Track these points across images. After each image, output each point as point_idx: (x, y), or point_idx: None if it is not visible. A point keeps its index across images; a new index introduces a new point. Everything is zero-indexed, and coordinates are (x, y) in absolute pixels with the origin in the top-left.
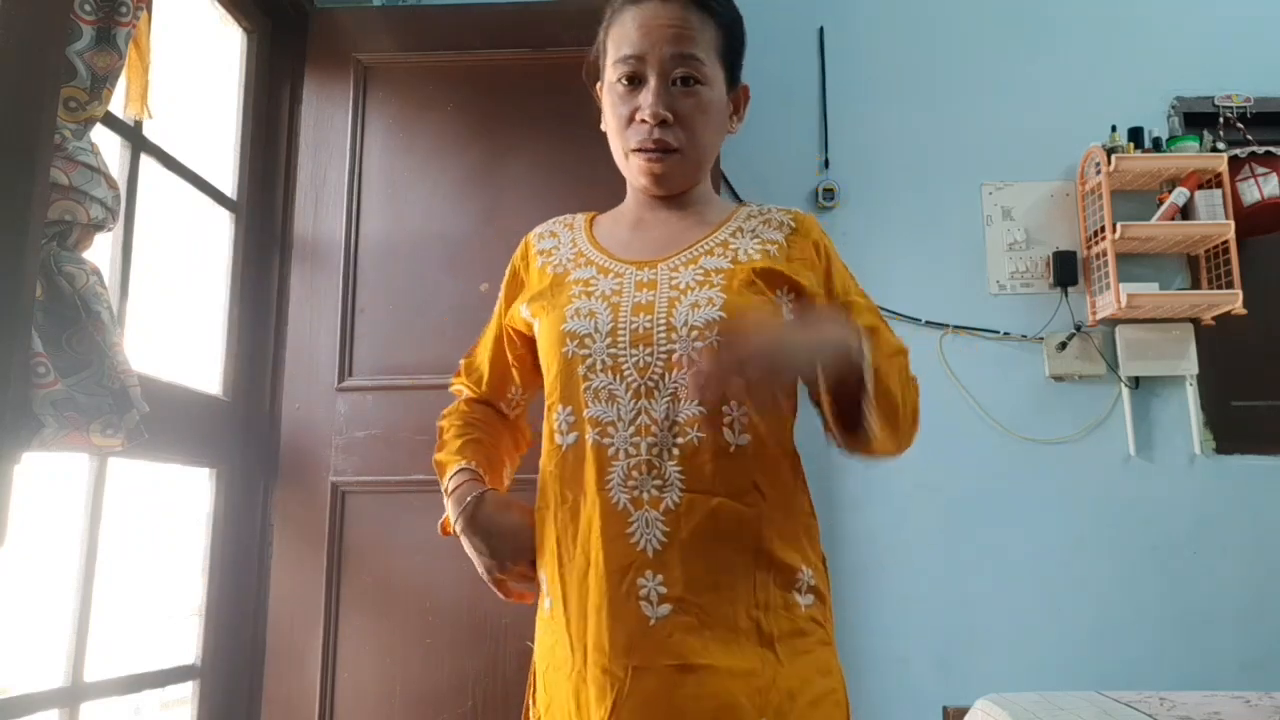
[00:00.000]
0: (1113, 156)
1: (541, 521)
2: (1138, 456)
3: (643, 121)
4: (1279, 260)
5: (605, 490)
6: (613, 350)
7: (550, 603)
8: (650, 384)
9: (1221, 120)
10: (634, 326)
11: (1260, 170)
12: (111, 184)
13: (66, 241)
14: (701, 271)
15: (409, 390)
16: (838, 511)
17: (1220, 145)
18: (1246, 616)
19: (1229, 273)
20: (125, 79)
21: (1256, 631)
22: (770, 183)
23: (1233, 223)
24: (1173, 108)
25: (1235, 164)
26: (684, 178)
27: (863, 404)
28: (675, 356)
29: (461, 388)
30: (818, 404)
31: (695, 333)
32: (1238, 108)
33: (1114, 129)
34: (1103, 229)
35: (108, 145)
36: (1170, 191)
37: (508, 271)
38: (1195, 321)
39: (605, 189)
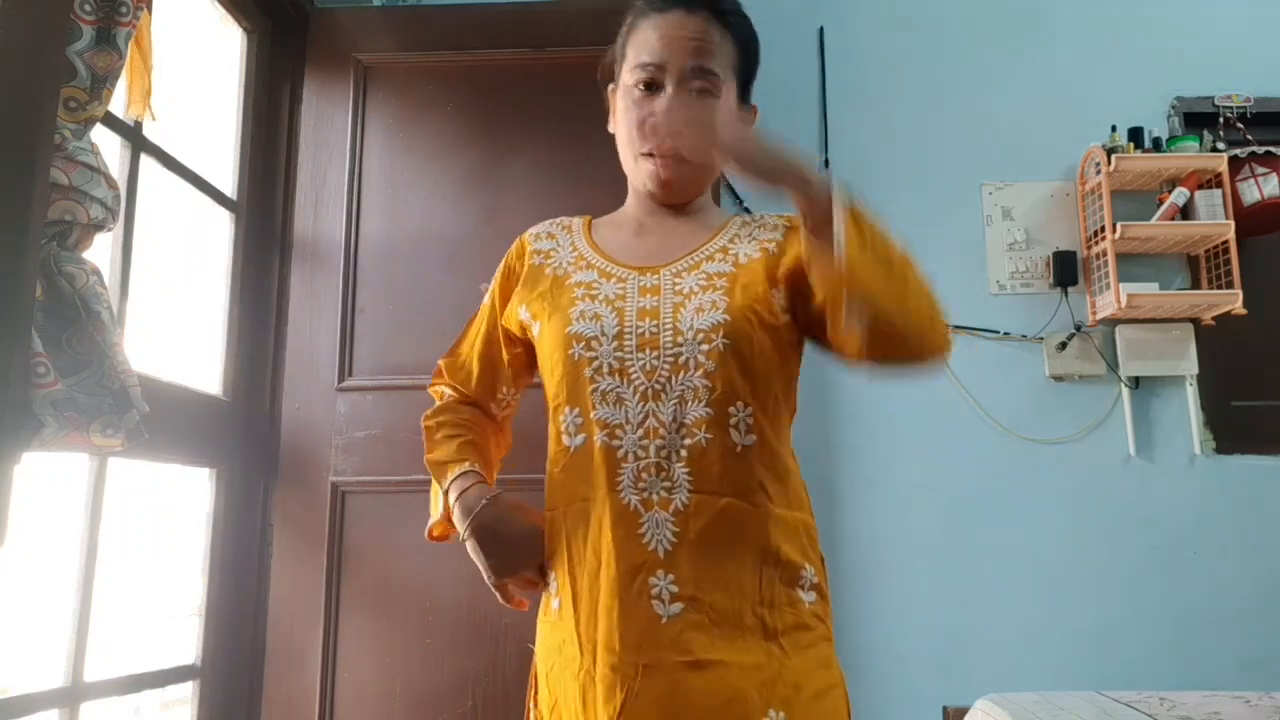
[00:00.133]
0: (1113, 156)
1: (551, 523)
2: (1138, 456)
3: (655, 128)
4: (1279, 260)
5: (616, 491)
6: (619, 354)
7: (559, 603)
8: (657, 387)
9: (1221, 120)
10: (640, 331)
11: (1260, 170)
12: (111, 184)
13: (66, 241)
14: (704, 276)
15: (409, 390)
16: (838, 511)
17: (1220, 145)
18: (1246, 616)
19: (1229, 273)
20: (126, 79)
21: (1256, 631)
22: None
23: (1233, 223)
24: (1173, 108)
25: (1235, 164)
26: (690, 187)
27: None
28: (682, 359)
29: (444, 389)
30: (818, 317)
31: (701, 336)
32: (1238, 108)
33: (1114, 129)
34: (1103, 229)
35: (108, 145)
36: (1170, 191)
37: (501, 269)
38: (1195, 321)
39: (605, 189)
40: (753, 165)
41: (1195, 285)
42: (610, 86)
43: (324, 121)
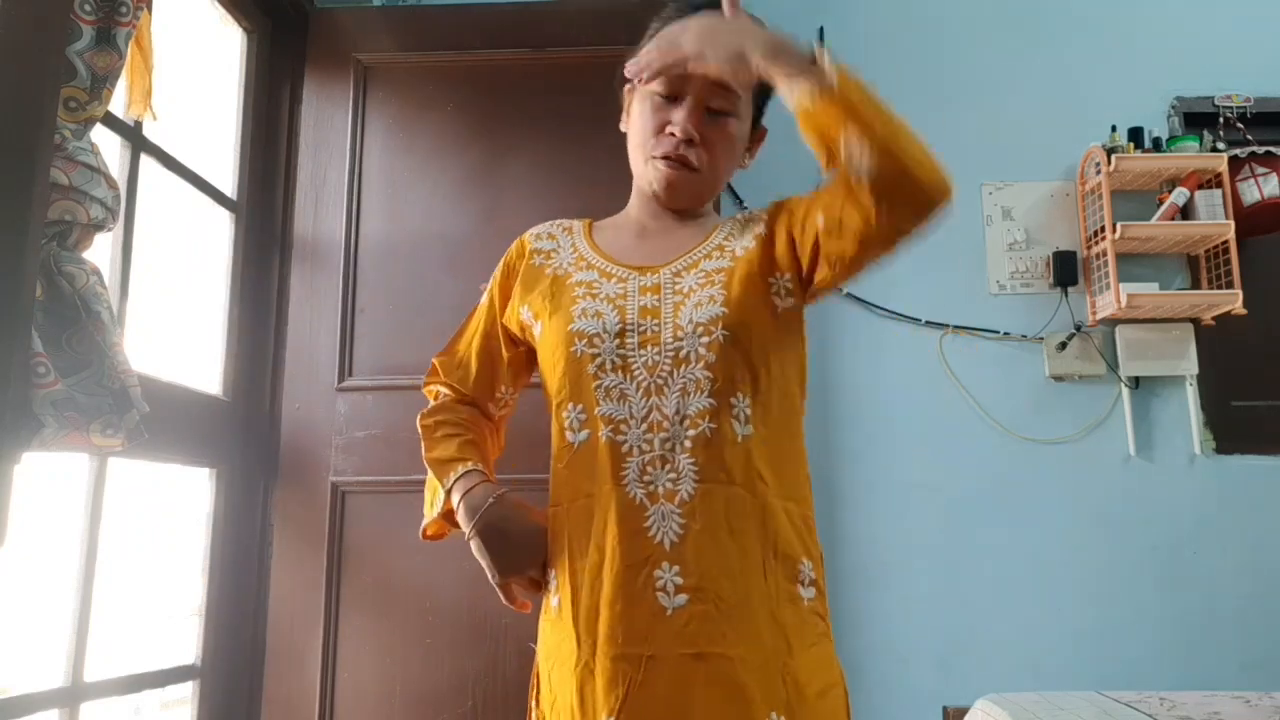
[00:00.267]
0: (1113, 156)
1: (554, 519)
2: (1138, 456)
3: (672, 134)
4: (1279, 260)
5: (621, 485)
6: (621, 351)
7: (559, 600)
8: (659, 381)
9: (1221, 120)
10: (641, 329)
11: (1260, 170)
12: (111, 184)
13: (66, 241)
14: (703, 274)
15: (409, 390)
16: (838, 511)
17: (1220, 145)
18: (1246, 616)
19: (1229, 273)
20: (126, 79)
21: (1256, 631)
22: (770, 183)
23: (1233, 223)
24: (1173, 108)
25: (1235, 164)
26: (694, 197)
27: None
28: (683, 353)
29: (440, 388)
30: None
31: (701, 329)
32: (1238, 108)
33: (1114, 129)
34: (1103, 229)
35: (108, 145)
36: (1170, 191)
37: (500, 268)
38: (1195, 321)
39: (605, 189)
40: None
41: (1195, 285)
42: (627, 86)
43: (324, 121)
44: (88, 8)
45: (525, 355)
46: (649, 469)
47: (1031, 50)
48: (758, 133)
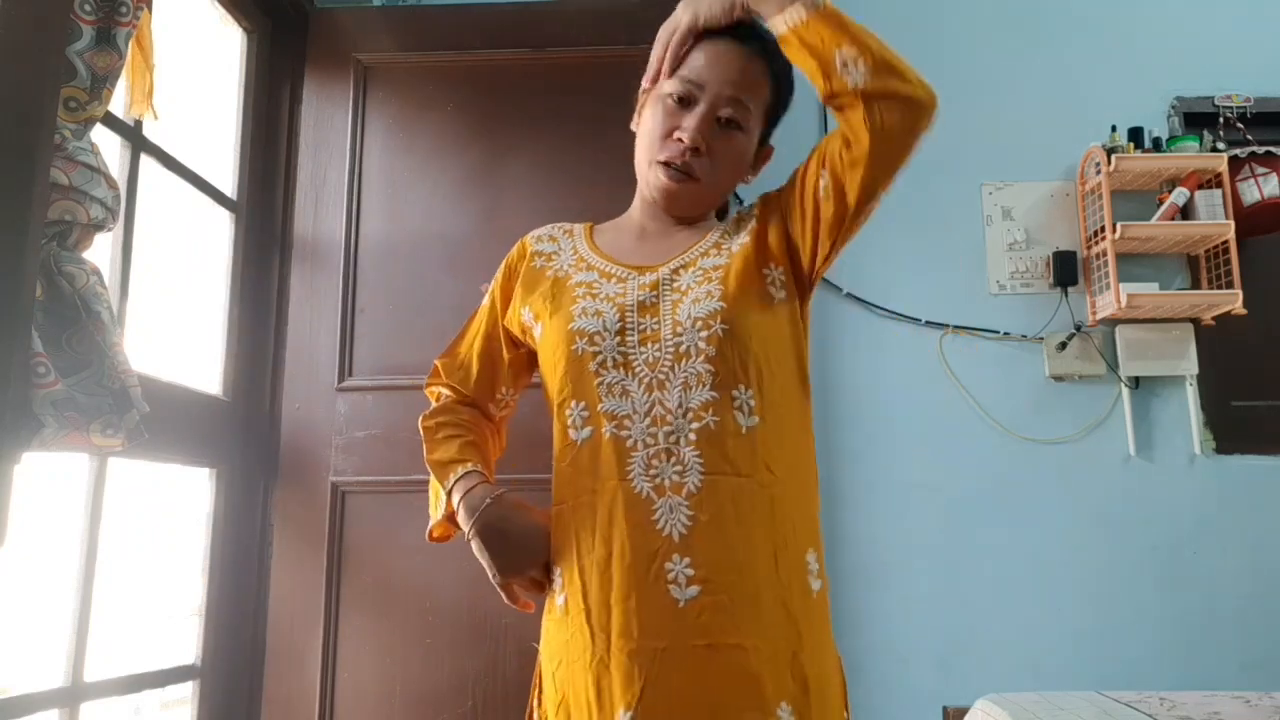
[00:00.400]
0: (1113, 156)
1: (558, 517)
2: (1138, 456)
3: (678, 140)
4: (1279, 260)
5: (627, 480)
6: (622, 348)
7: (565, 598)
8: (661, 376)
9: (1221, 120)
10: (641, 327)
11: (1260, 170)
12: (111, 184)
13: (66, 241)
14: (700, 271)
15: (409, 390)
16: (838, 511)
17: (1220, 145)
18: (1246, 616)
19: (1229, 273)
20: (127, 79)
21: (1256, 631)
22: (770, 183)
23: (1233, 223)
24: (1173, 108)
25: (1235, 164)
26: (693, 206)
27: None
28: (683, 349)
29: (442, 389)
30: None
31: (700, 324)
32: (1238, 108)
33: (1114, 129)
34: (1103, 229)
35: (108, 145)
36: (1170, 191)
37: (502, 270)
38: (1195, 321)
39: (604, 189)
40: None
41: (1195, 285)
42: (643, 88)
43: (324, 121)
44: (88, 8)
45: (526, 356)
46: (654, 463)
47: (1031, 50)
48: (765, 150)
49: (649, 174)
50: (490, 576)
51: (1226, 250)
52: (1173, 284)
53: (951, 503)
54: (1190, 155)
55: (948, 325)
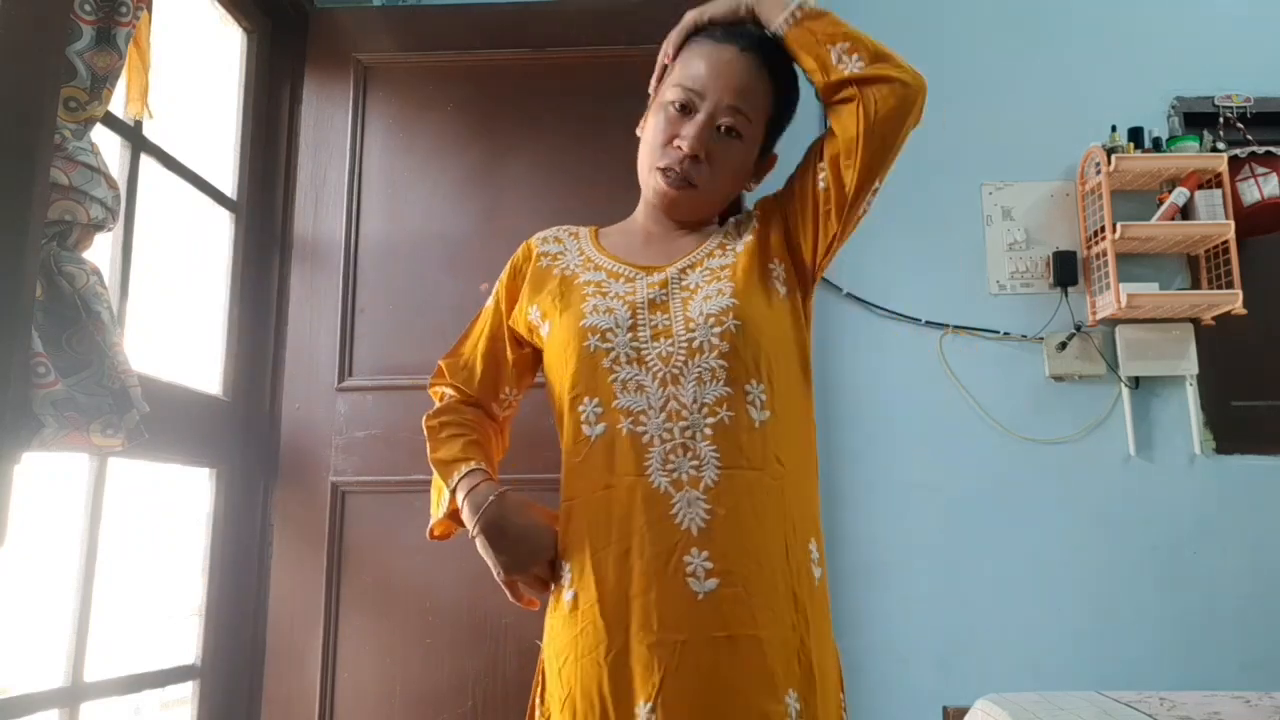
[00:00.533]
0: (1113, 156)
1: (568, 513)
2: (1138, 456)
3: (678, 148)
4: (1279, 260)
5: (645, 475)
6: (635, 344)
7: (575, 594)
8: (675, 371)
9: (1221, 120)
10: (653, 323)
11: (1260, 170)
12: (111, 184)
13: (66, 241)
14: (708, 271)
15: (409, 390)
16: (838, 511)
17: (1220, 145)
18: (1246, 616)
19: (1229, 273)
20: (126, 79)
21: (1256, 631)
22: (770, 183)
23: (1233, 223)
24: (1173, 108)
25: (1235, 164)
26: (693, 211)
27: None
28: (696, 344)
29: (445, 389)
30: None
31: (712, 320)
32: (1238, 108)
33: (1114, 129)
34: (1103, 229)
35: (108, 145)
36: (1170, 191)
37: (507, 270)
38: (1195, 321)
39: (605, 189)
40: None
41: (1195, 285)
42: (651, 91)
43: (324, 121)
44: (88, 8)
45: (530, 356)
46: (671, 457)
47: (1031, 50)
48: (768, 160)
49: (650, 179)
50: (495, 574)
51: (1226, 250)
52: (1173, 284)
53: (951, 503)
54: (1190, 155)
55: (948, 325)
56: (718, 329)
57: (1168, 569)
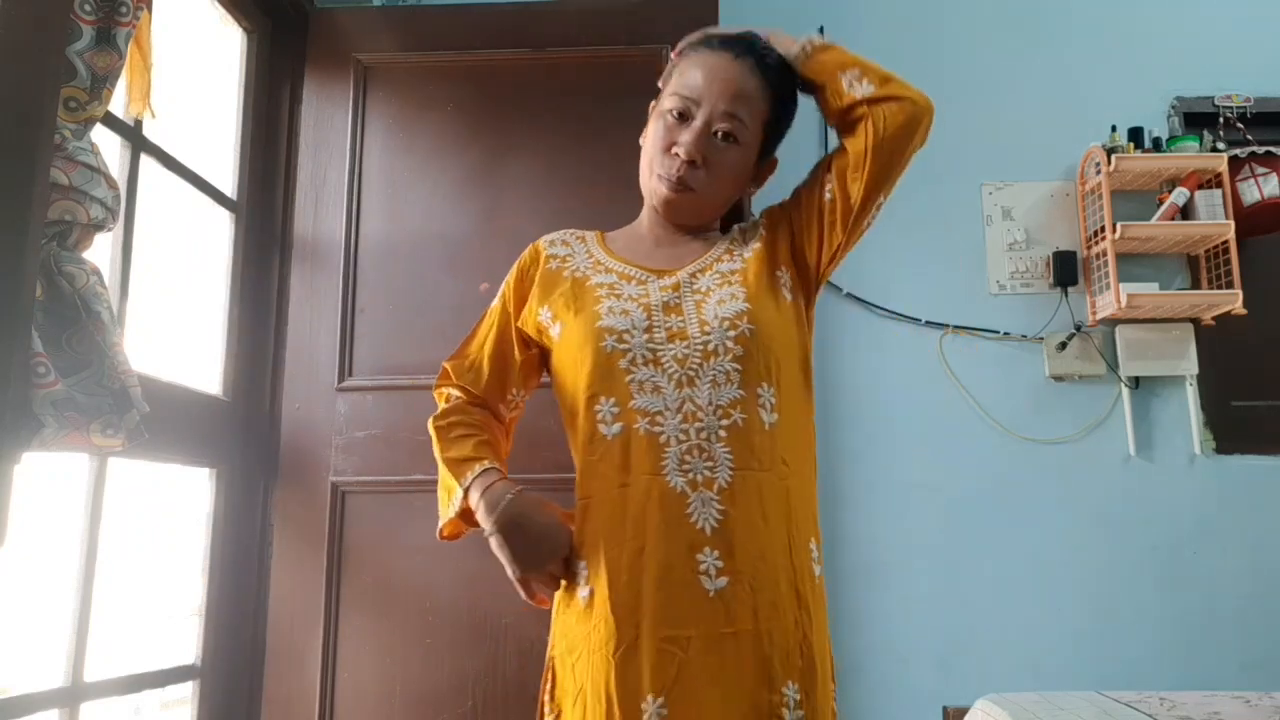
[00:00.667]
0: (1113, 156)
1: (584, 511)
2: (1138, 456)
3: (676, 154)
4: (1279, 260)
5: (662, 475)
6: (651, 345)
7: (590, 591)
8: (690, 373)
9: (1221, 120)
10: (668, 325)
11: (1260, 170)
12: (111, 184)
13: (66, 241)
14: (719, 275)
15: (409, 390)
16: (838, 511)
17: (1220, 145)
18: (1246, 616)
19: (1229, 273)
20: (126, 79)
21: (1256, 631)
22: (770, 183)
23: (1233, 223)
24: (1173, 108)
25: (1235, 164)
26: (693, 216)
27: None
28: (711, 347)
29: (451, 390)
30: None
31: (727, 324)
32: (1238, 108)
33: (1114, 129)
34: (1103, 229)
35: (108, 145)
36: (1170, 191)
37: (514, 272)
38: (1195, 321)
39: (605, 189)
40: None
41: (1195, 285)
42: (653, 103)
43: (324, 121)
44: (88, 8)
45: (537, 358)
46: (687, 458)
47: (1031, 50)
48: (768, 163)
49: (651, 186)
50: (509, 572)
51: (1226, 250)
52: (1173, 284)
53: (951, 503)
54: (1190, 155)
55: (948, 325)
56: (732, 332)
57: (1168, 569)
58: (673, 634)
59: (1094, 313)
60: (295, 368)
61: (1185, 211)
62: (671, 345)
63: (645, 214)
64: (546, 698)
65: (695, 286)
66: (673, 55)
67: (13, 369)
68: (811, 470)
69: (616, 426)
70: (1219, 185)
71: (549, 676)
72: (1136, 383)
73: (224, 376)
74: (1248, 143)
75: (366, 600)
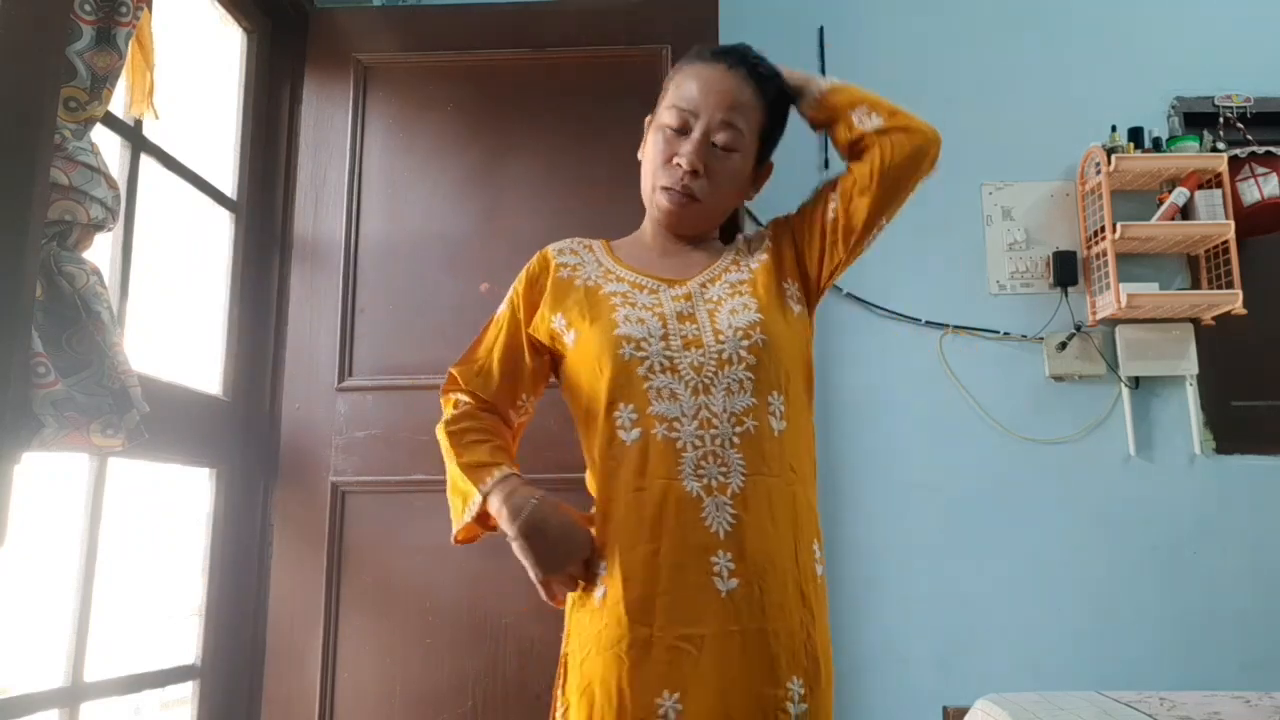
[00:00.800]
0: (1113, 156)
1: (604, 514)
2: (1138, 456)
3: (677, 165)
4: (1279, 260)
5: (678, 480)
6: (668, 353)
7: (605, 590)
8: (706, 381)
9: (1221, 120)
10: (683, 333)
11: (1260, 170)
12: (111, 184)
13: (66, 241)
14: (728, 285)
15: (409, 390)
16: (838, 511)
17: (1220, 145)
18: (1246, 616)
19: (1229, 273)
20: (127, 79)
21: (1256, 631)
22: (770, 183)
23: (1233, 223)
24: (1173, 108)
25: (1235, 164)
26: (695, 225)
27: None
28: (725, 355)
29: (460, 396)
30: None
31: (741, 333)
32: (1238, 108)
33: (1114, 129)
34: (1103, 229)
35: (108, 145)
36: (1170, 191)
37: (523, 279)
38: (1195, 321)
39: (605, 189)
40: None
41: (1195, 285)
42: (648, 118)
43: (324, 121)
44: (88, 8)
45: (548, 364)
46: (703, 464)
47: (1031, 50)
48: (764, 169)
49: (654, 198)
50: (532, 574)
51: (1226, 250)
52: (1173, 284)
53: (951, 503)
54: (1190, 155)
55: (948, 325)
56: (745, 342)
57: (1168, 569)
58: (687, 633)
59: (1094, 313)
60: (295, 368)
61: (1185, 211)
62: (687, 353)
63: (648, 225)
64: (559, 692)
65: (706, 296)
66: (670, 72)
67: (13, 369)
68: (813, 474)
69: (635, 432)
70: (1219, 185)
71: (562, 672)
72: (1136, 383)
73: (224, 376)
74: (1248, 143)
75: (366, 600)
